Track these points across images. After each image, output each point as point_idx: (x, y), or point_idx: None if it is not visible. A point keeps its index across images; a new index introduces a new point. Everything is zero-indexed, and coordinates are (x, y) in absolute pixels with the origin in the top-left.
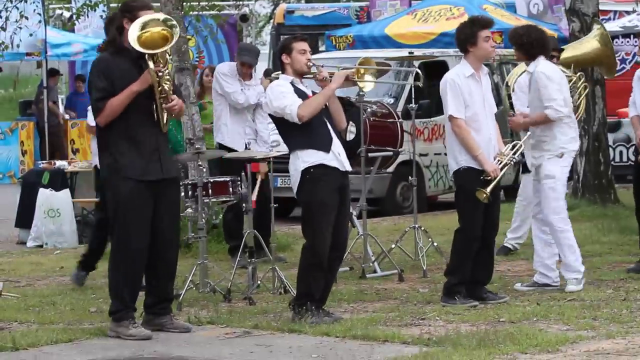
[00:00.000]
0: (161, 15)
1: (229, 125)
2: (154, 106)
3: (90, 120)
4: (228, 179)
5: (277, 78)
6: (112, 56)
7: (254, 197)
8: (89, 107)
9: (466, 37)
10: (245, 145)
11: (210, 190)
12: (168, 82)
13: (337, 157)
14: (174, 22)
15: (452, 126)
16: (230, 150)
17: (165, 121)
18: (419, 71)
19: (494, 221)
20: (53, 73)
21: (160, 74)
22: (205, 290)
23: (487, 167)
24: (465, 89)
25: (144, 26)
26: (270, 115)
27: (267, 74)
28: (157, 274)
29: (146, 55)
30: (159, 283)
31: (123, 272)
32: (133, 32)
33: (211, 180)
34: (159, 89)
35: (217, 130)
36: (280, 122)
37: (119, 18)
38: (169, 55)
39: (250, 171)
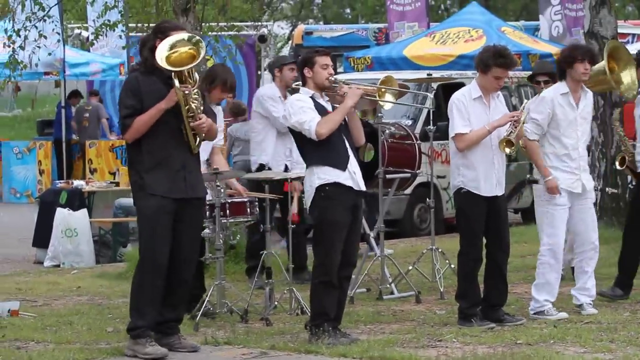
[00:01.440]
0: (185, 34)
1: (275, 146)
2: (183, 125)
3: None
4: (246, 200)
5: (299, 88)
6: (142, 75)
7: (294, 210)
8: None
9: (482, 61)
10: (286, 166)
11: (228, 211)
12: (196, 101)
13: (352, 176)
14: (199, 38)
15: (458, 144)
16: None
17: (196, 142)
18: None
19: (503, 243)
20: (95, 93)
21: (187, 92)
22: (223, 310)
23: (503, 120)
24: (470, 109)
25: (172, 47)
26: (289, 129)
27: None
28: (171, 292)
29: (172, 74)
30: (171, 302)
31: (146, 288)
32: (161, 52)
33: (229, 201)
34: (186, 107)
35: (262, 150)
36: (299, 137)
37: (152, 39)
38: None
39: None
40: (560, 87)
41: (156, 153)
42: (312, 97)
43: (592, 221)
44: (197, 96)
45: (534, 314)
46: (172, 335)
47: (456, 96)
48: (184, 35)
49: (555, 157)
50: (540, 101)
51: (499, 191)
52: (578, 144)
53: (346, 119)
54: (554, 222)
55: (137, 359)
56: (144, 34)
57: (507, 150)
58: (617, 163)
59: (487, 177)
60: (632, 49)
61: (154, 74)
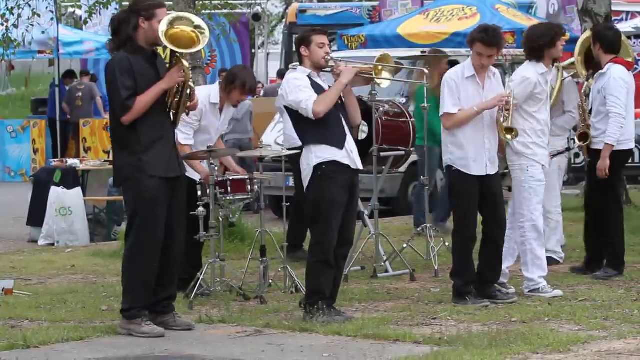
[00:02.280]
0: (197, 20)
1: None
2: (170, 103)
3: (182, 139)
4: (247, 177)
5: (295, 68)
6: (131, 55)
7: None
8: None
9: (471, 40)
10: None
11: (229, 188)
12: (192, 80)
13: (349, 155)
14: (206, 30)
15: (445, 123)
16: None
17: (180, 118)
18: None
19: (498, 220)
20: (86, 73)
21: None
22: (218, 289)
23: (491, 103)
24: (461, 89)
25: (173, 21)
26: (285, 107)
27: (280, 74)
28: (162, 270)
29: (177, 53)
30: (164, 280)
31: (141, 269)
32: (163, 26)
33: (230, 178)
34: (187, 86)
35: None
36: (295, 116)
37: (134, 17)
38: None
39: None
40: (539, 67)
41: (152, 133)
42: (309, 76)
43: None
44: (191, 75)
45: (529, 292)
46: (167, 314)
47: (449, 74)
48: (194, 18)
49: (534, 132)
50: (525, 84)
51: (491, 170)
52: (548, 119)
53: (343, 98)
54: (536, 198)
55: (131, 338)
56: None
57: (509, 136)
58: (576, 138)
59: (477, 157)
60: (626, 26)
61: (137, 53)
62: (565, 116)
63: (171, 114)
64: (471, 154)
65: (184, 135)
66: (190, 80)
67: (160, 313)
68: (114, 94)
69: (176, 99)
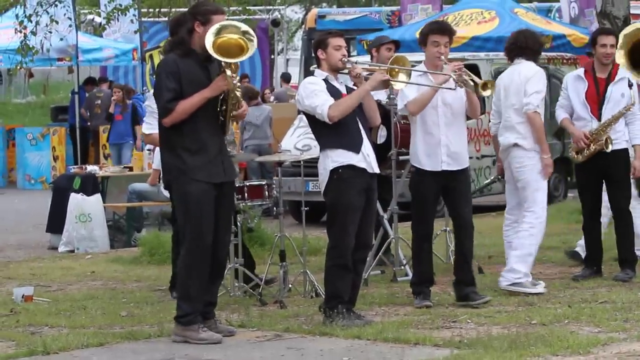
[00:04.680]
0: (244, 26)
1: None
2: (219, 110)
3: (146, 129)
4: (264, 183)
5: (313, 72)
6: (180, 58)
7: None
8: (145, 117)
9: (424, 35)
10: None
11: (246, 194)
12: (239, 89)
13: (365, 159)
14: (253, 36)
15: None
16: None
17: (229, 125)
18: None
19: (460, 218)
20: (104, 80)
21: (235, 82)
22: (237, 293)
23: (442, 78)
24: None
25: (220, 30)
26: (303, 112)
27: (285, 78)
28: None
29: (222, 63)
30: (207, 286)
31: (197, 274)
32: (210, 37)
33: (247, 184)
34: (232, 95)
35: None
36: (313, 120)
37: (191, 20)
38: None
39: None
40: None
41: (198, 137)
42: (325, 80)
43: None
44: (239, 84)
45: (510, 285)
46: (208, 320)
47: None
48: (241, 25)
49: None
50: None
51: (452, 166)
52: None
53: (361, 101)
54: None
55: (151, 344)
56: (155, 18)
57: (487, 92)
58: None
59: (430, 152)
60: None
61: (189, 56)
62: None
63: (220, 121)
64: (423, 148)
65: (147, 125)
66: (238, 89)
67: (203, 319)
68: (158, 96)
69: (223, 107)
